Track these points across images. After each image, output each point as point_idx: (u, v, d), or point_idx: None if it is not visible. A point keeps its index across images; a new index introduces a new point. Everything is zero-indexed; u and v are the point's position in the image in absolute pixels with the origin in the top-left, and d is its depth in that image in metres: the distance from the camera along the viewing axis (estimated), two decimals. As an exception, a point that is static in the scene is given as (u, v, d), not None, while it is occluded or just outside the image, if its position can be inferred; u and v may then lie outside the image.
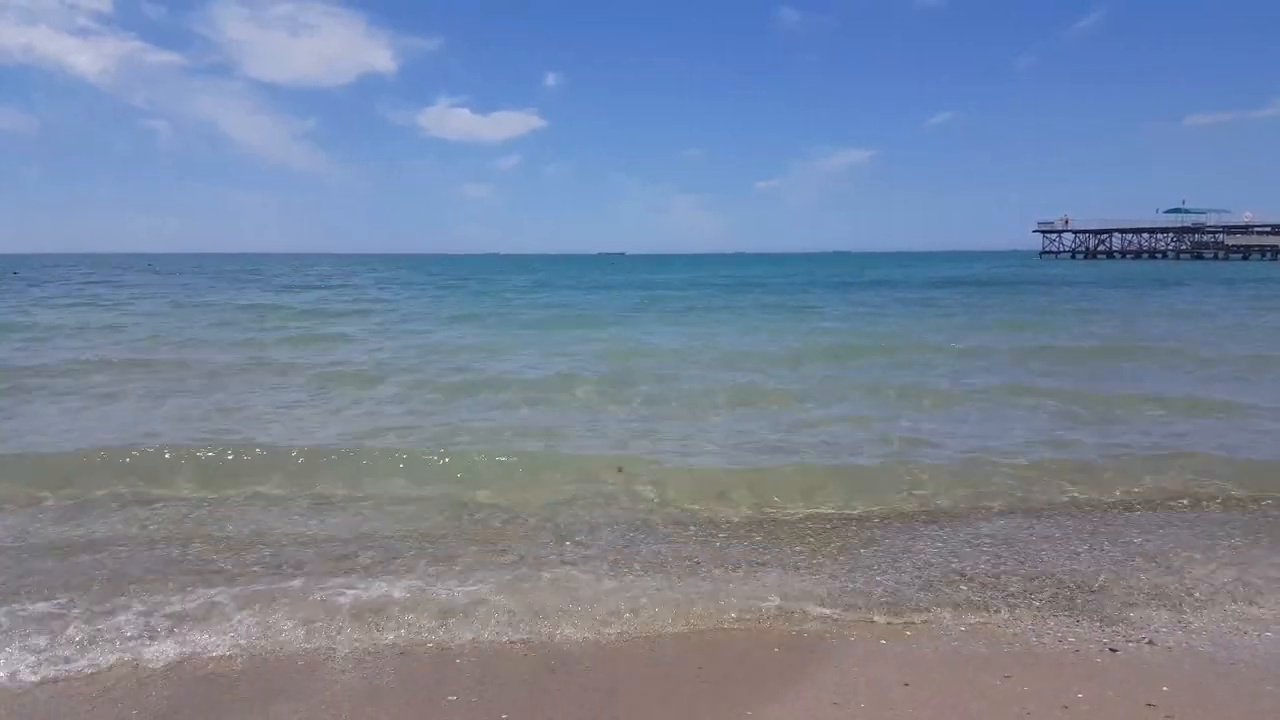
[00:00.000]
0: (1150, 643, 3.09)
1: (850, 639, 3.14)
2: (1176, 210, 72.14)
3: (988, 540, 4.25)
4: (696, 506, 4.87)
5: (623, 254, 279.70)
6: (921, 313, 19.71)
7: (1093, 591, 3.58)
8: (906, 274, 49.21)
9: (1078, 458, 5.82)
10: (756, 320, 18.09)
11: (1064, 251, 78.61)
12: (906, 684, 2.79)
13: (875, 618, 3.32)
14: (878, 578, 3.74)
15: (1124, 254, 74.52)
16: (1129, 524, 4.52)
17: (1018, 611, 3.38)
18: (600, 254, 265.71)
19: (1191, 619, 3.29)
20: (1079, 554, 4.04)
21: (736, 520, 4.64)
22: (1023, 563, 3.93)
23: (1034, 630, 3.21)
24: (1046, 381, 8.95)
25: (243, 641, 3.09)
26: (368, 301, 24.97)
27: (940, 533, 4.38)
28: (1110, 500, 5.00)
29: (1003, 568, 3.86)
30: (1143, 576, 3.74)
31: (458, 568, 3.86)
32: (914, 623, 3.28)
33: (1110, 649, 3.04)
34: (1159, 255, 71.96)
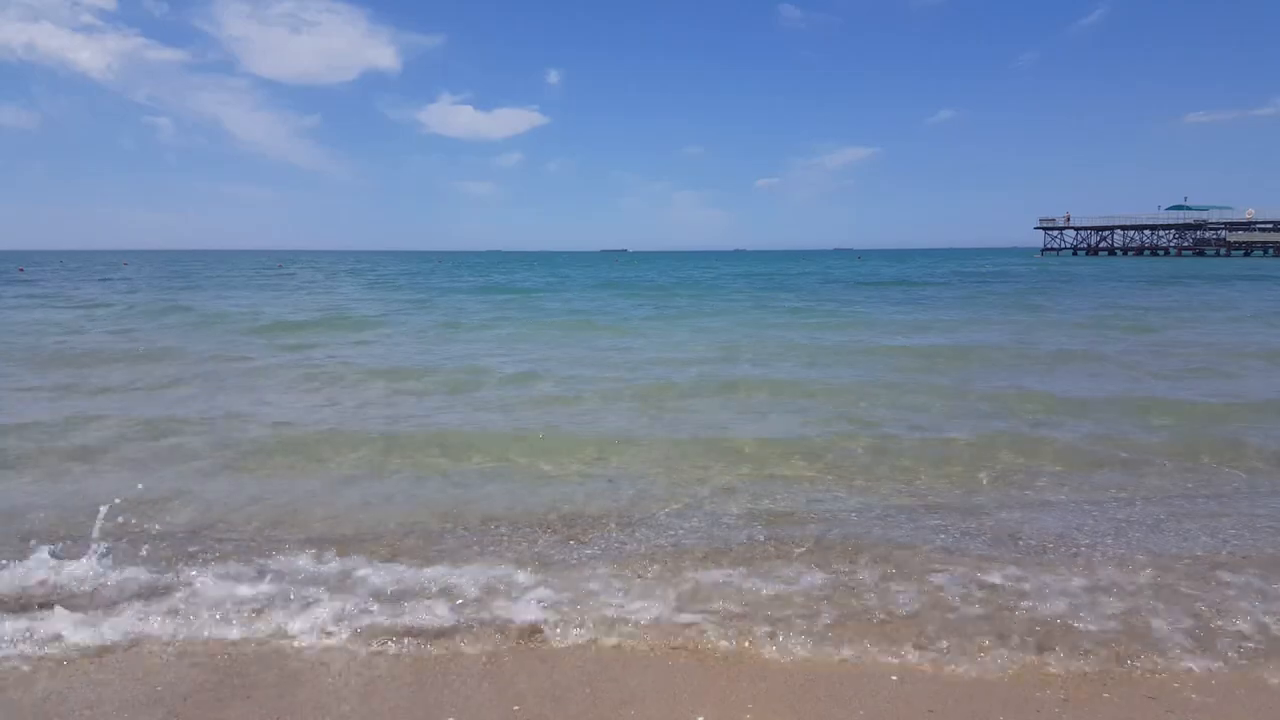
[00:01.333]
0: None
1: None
2: (1179, 207, 72.08)
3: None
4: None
5: (625, 250, 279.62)
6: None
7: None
8: (929, 272, 47.17)
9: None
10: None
11: (1065, 248, 78.52)
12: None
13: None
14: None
15: (1125, 250, 74.45)
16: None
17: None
18: (603, 251, 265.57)
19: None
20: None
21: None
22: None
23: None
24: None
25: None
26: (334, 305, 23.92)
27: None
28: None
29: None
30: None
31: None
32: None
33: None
34: (1160, 252, 71.89)
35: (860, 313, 19.19)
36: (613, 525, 4.48)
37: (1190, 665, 2.92)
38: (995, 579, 3.65)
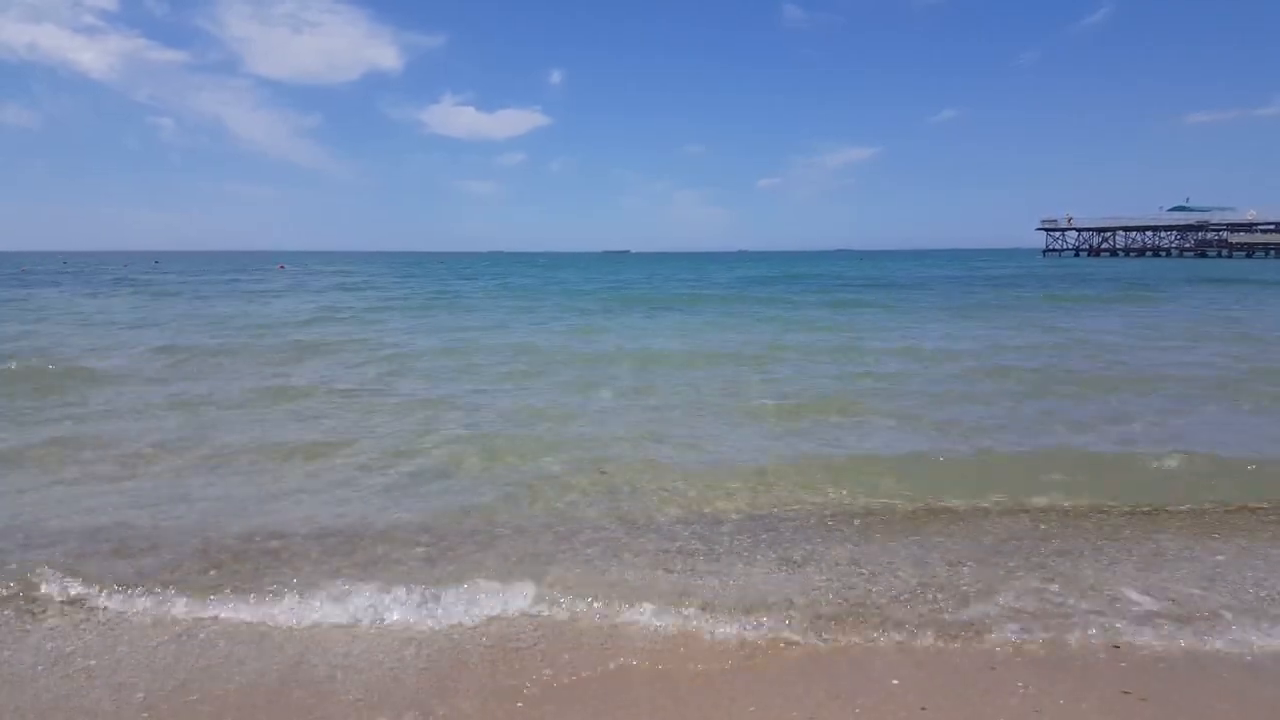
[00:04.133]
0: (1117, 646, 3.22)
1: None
2: (1181, 208, 72.06)
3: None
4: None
5: (627, 251, 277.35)
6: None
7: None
8: (963, 270, 45.49)
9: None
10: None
11: (1067, 249, 78.48)
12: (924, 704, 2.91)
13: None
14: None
15: (1127, 252, 74.38)
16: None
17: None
18: (605, 252, 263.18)
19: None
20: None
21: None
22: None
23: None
24: None
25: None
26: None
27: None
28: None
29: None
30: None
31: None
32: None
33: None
34: (1162, 253, 71.81)
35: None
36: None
37: None
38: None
